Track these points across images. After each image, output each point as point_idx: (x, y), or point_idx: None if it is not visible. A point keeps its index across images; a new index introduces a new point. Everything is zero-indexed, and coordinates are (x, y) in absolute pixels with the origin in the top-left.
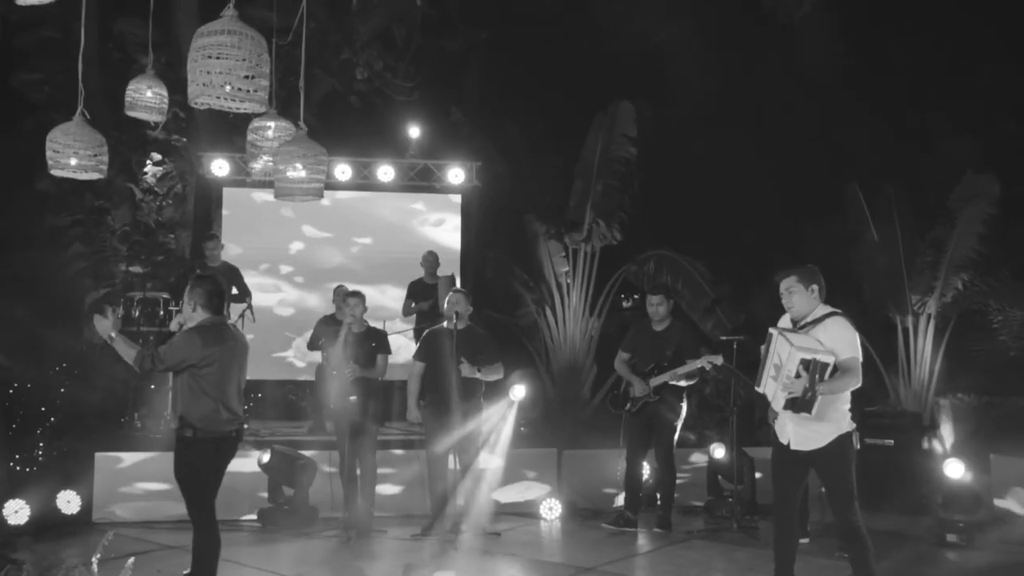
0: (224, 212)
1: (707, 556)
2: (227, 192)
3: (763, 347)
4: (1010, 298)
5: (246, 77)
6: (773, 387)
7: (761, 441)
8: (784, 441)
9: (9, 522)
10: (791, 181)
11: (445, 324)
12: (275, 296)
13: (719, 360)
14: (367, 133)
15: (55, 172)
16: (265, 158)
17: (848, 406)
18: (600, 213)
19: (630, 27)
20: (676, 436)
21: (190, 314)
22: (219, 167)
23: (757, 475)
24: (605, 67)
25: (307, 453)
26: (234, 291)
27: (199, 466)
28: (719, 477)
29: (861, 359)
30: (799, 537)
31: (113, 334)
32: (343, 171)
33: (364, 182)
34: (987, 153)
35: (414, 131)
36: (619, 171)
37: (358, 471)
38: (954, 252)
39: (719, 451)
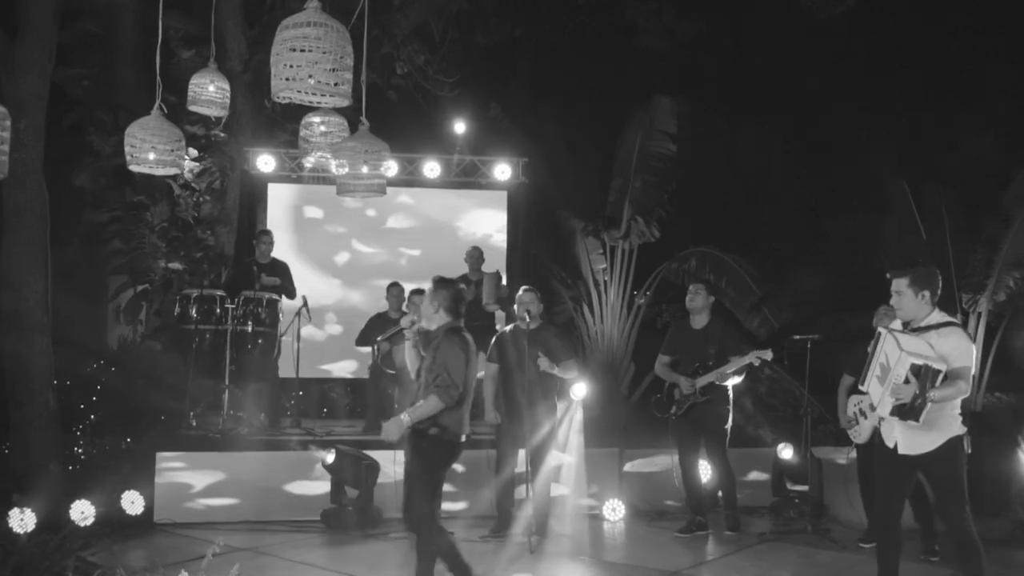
0: (269, 207)
1: (789, 559)
2: (272, 188)
3: (871, 345)
4: None
5: (331, 70)
6: (877, 388)
7: (819, 442)
8: (891, 444)
9: (77, 524)
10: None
11: (517, 324)
12: (320, 292)
13: (768, 355)
14: (412, 129)
15: (133, 167)
16: (319, 153)
17: (959, 410)
18: (638, 210)
19: (658, 24)
20: (728, 437)
21: (431, 315)
22: (265, 163)
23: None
24: (641, 63)
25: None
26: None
27: (438, 466)
28: (785, 478)
29: (974, 372)
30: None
31: (405, 418)
32: (388, 167)
33: (409, 178)
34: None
35: (460, 127)
36: (658, 167)
37: None
38: (1009, 250)
39: (787, 452)
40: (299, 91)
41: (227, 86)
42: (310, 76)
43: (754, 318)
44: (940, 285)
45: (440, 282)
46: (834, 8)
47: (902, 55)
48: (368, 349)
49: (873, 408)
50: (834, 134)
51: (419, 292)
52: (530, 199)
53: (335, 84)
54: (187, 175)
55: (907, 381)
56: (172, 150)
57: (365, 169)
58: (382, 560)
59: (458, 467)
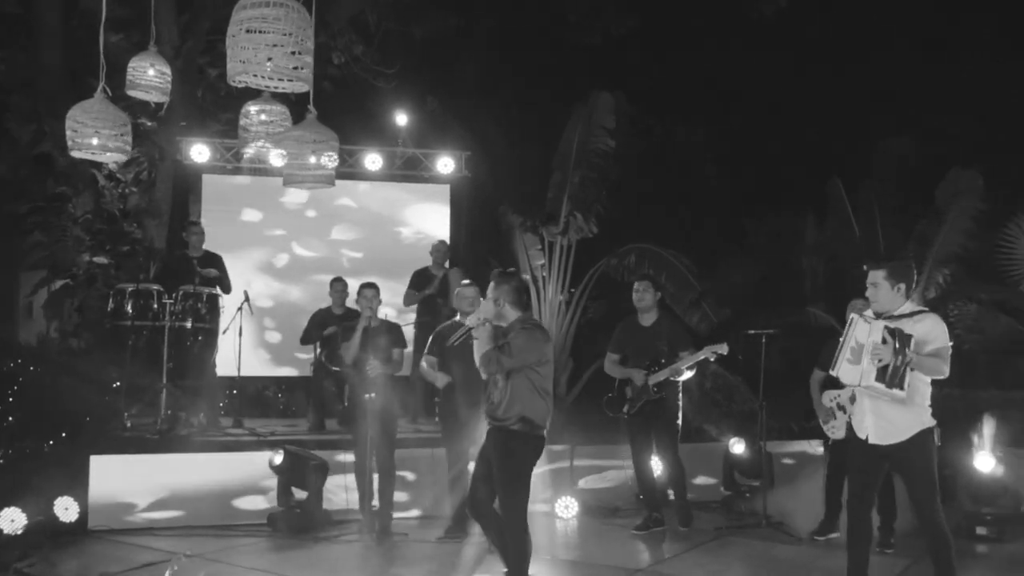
0: (203, 199)
1: (748, 553)
2: (207, 179)
3: (843, 335)
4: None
5: (291, 54)
6: (849, 370)
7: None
8: (863, 435)
9: (4, 531)
10: (747, 174)
11: (456, 320)
12: (256, 288)
13: (724, 349)
14: (351, 121)
15: (75, 153)
16: (258, 143)
17: (929, 402)
18: (577, 205)
19: (592, 19)
20: (679, 432)
21: (493, 310)
22: (199, 152)
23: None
24: (582, 59)
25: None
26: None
27: (529, 462)
28: (736, 473)
29: (951, 351)
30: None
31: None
32: (335, 157)
33: (350, 170)
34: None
35: (401, 119)
36: (597, 163)
37: (375, 471)
38: (940, 247)
39: (739, 446)
40: (256, 75)
41: (168, 70)
42: (269, 59)
43: (694, 313)
44: (915, 278)
45: (501, 277)
46: (768, 7)
47: (833, 55)
48: (309, 346)
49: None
50: (764, 132)
51: (370, 286)
52: (473, 193)
53: (295, 68)
54: (112, 165)
55: (884, 341)
56: (118, 135)
57: (312, 159)
58: (339, 564)
59: (407, 474)
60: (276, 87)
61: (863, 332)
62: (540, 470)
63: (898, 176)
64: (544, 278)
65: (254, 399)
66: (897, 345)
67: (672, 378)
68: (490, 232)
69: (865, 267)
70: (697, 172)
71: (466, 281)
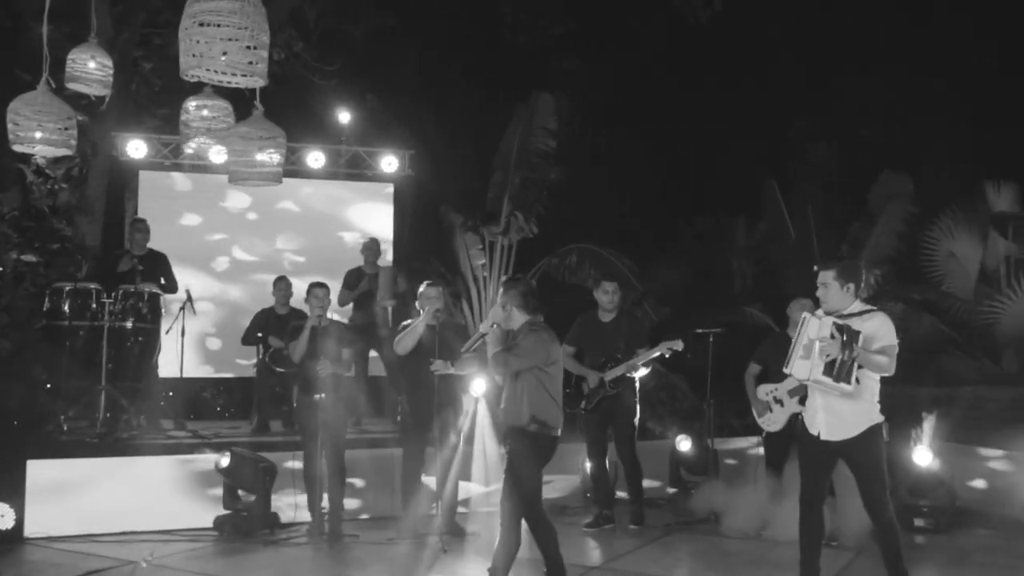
0: (140, 196)
1: (700, 549)
2: (144, 176)
3: (796, 333)
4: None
5: (246, 48)
6: (803, 365)
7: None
8: (814, 432)
9: None
10: (683, 177)
11: (424, 320)
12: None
13: (679, 345)
14: (292, 118)
15: (16, 147)
16: (200, 139)
17: (878, 398)
18: (518, 205)
19: (529, 21)
20: (636, 429)
21: (502, 315)
22: (135, 148)
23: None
24: (522, 60)
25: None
26: (162, 281)
27: (541, 462)
28: (682, 469)
29: (897, 350)
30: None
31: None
32: (283, 154)
33: (293, 168)
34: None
35: (344, 116)
36: (537, 163)
37: (324, 473)
38: (873, 249)
39: (685, 444)
40: (209, 69)
41: (110, 63)
42: (224, 54)
43: (635, 313)
44: (864, 278)
45: (508, 283)
46: (703, 12)
47: (765, 59)
48: (251, 348)
49: (786, 401)
50: (698, 136)
51: (319, 285)
52: (417, 192)
53: (250, 63)
54: (40, 160)
55: (832, 336)
56: (62, 128)
57: (259, 156)
58: (291, 567)
59: (357, 481)
60: (230, 82)
61: (814, 329)
62: (478, 469)
63: (829, 180)
64: (484, 278)
65: (196, 401)
66: (844, 340)
67: (628, 374)
68: (434, 231)
69: (816, 268)
70: (634, 174)
71: (429, 281)
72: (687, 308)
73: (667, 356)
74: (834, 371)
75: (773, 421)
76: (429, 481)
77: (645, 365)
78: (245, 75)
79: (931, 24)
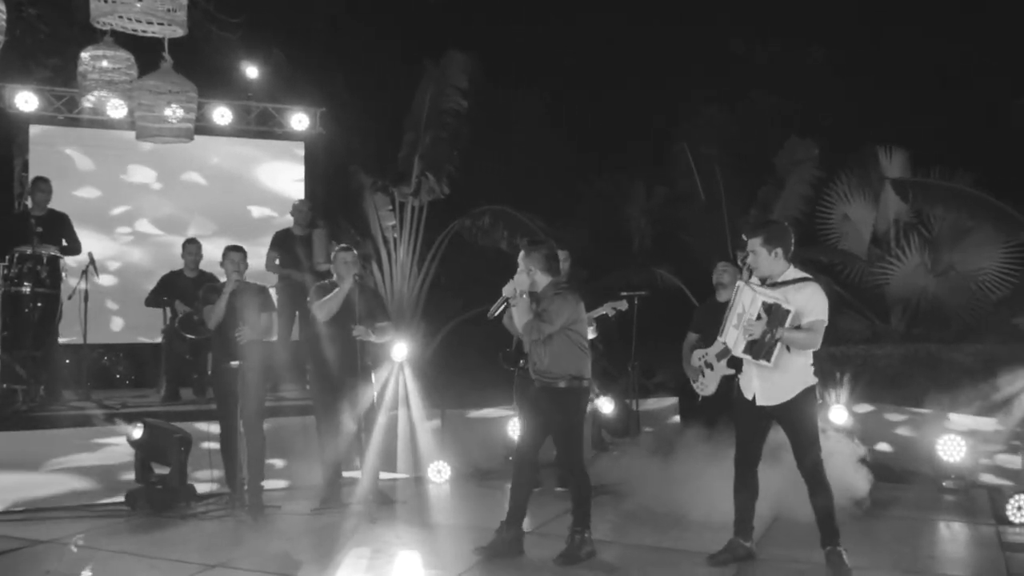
0: (31, 152)
1: (632, 509)
2: (35, 130)
3: (731, 301)
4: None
5: None
6: (735, 335)
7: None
8: (749, 396)
9: None
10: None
11: (348, 286)
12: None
13: (624, 306)
14: (196, 72)
15: None
16: (99, 92)
17: (811, 361)
18: (428, 166)
19: None
20: None
21: (527, 281)
22: (24, 101)
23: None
24: (433, 18)
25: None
26: (64, 243)
27: (581, 412)
28: (603, 431)
29: (826, 324)
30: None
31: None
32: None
33: (198, 124)
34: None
35: (252, 71)
36: (449, 123)
37: (243, 443)
38: (780, 212)
39: (607, 406)
40: (123, 17)
41: (3, 7)
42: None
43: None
44: (793, 241)
45: (530, 246)
46: None
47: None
48: (159, 311)
49: (715, 365)
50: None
51: (236, 249)
52: (329, 151)
53: (169, 10)
54: None
55: (759, 318)
56: None
57: (169, 111)
58: (213, 542)
59: (276, 451)
60: (146, 31)
61: (747, 300)
62: (403, 438)
63: (728, 143)
64: (395, 239)
65: (100, 369)
66: (768, 325)
67: None
68: (344, 192)
69: (743, 236)
70: (540, 135)
71: (343, 245)
72: (598, 271)
73: (611, 316)
74: (753, 349)
75: (705, 385)
76: (349, 448)
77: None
78: (163, 23)
79: None
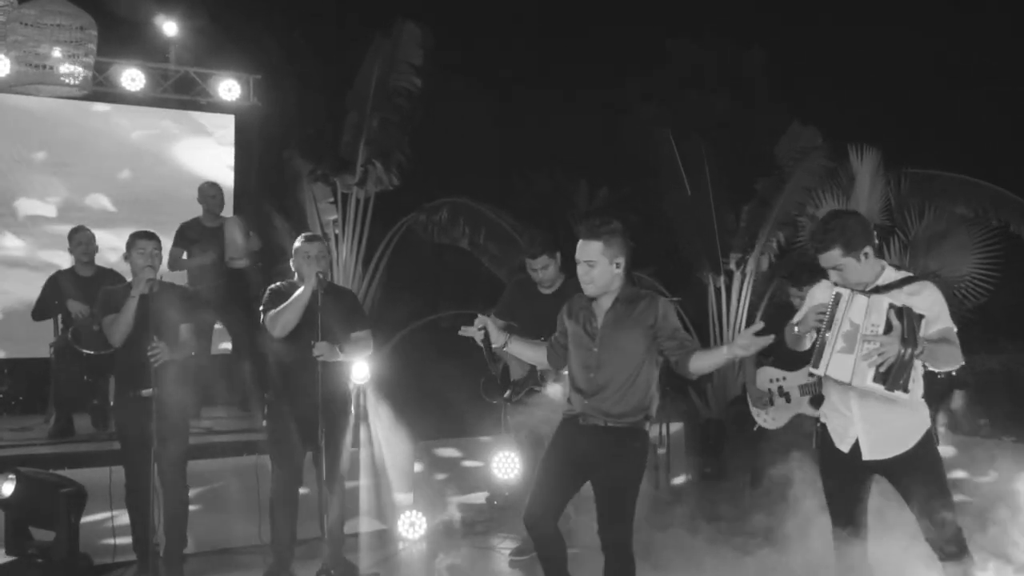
0: None
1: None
2: None
3: (816, 315)
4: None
5: None
6: (845, 364)
7: None
8: (845, 448)
9: None
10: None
11: (310, 288)
12: None
13: None
14: (101, 26)
15: None
16: None
17: (922, 391)
18: (376, 152)
19: None
20: None
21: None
22: None
23: None
24: None
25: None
26: None
27: (645, 464)
28: None
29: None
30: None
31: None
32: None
33: (101, 89)
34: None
35: (170, 27)
36: (400, 104)
37: (158, 496)
38: (781, 208)
39: None
40: None
41: None
42: None
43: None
44: (874, 233)
45: (602, 226)
46: None
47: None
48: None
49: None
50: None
51: (147, 236)
52: (264, 126)
53: None
54: None
55: (888, 330)
56: None
57: (57, 53)
58: None
59: (202, 502)
60: None
61: (859, 311)
62: (366, 481)
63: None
64: (337, 236)
65: None
66: (906, 333)
67: None
68: (278, 179)
69: (811, 250)
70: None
71: (308, 234)
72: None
73: None
74: (890, 376)
75: (771, 419)
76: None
77: None
78: None
79: None
